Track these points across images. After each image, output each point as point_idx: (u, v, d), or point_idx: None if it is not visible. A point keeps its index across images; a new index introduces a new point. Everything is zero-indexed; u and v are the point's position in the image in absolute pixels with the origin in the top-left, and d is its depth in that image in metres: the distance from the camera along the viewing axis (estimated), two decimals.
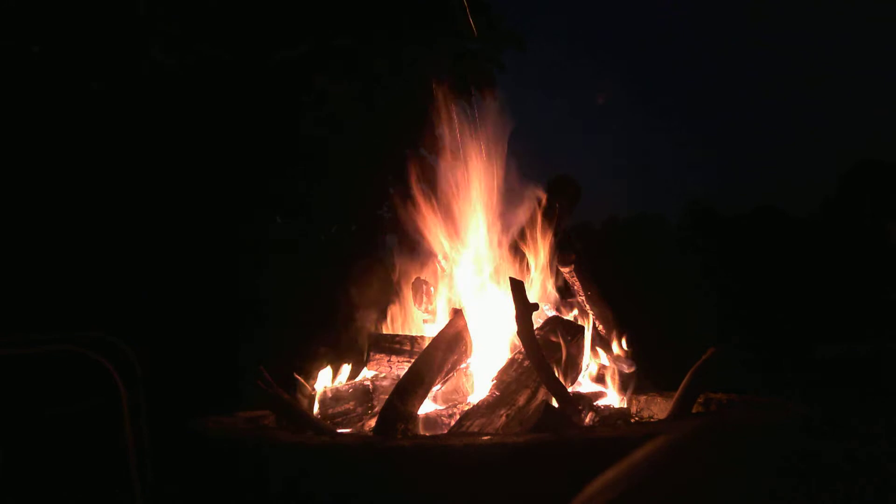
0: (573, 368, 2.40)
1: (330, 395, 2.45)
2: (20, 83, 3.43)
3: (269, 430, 2.23)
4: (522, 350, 2.23)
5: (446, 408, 2.30)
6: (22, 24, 3.43)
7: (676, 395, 2.32)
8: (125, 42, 3.55)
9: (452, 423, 2.17)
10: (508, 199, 2.72)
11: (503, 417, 2.08)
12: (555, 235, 2.76)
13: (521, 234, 2.71)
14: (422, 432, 2.15)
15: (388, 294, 2.81)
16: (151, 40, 3.57)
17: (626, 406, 2.44)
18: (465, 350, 2.37)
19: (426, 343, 2.42)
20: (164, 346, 3.05)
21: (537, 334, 2.26)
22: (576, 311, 2.69)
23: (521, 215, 2.73)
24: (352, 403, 2.40)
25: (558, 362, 2.29)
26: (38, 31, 3.47)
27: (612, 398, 2.49)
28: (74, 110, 3.50)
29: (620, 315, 2.72)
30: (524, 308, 2.19)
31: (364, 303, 2.90)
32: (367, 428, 2.33)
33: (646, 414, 2.58)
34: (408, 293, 2.76)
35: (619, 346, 2.64)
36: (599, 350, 2.61)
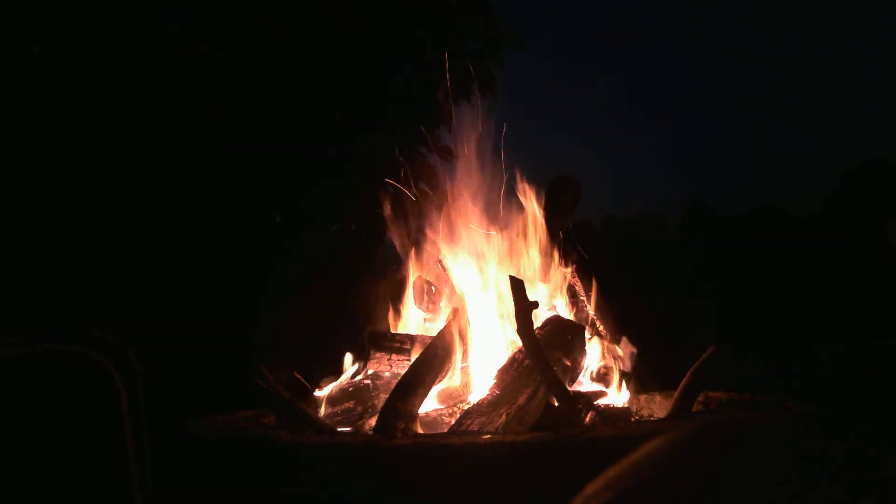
0: (573, 368, 2.40)
1: (330, 394, 2.45)
2: (20, 83, 3.43)
3: (269, 430, 2.23)
4: (523, 349, 2.23)
5: (446, 407, 2.30)
6: (22, 24, 3.43)
7: (676, 394, 2.32)
8: (125, 41, 3.55)
9: (453, 422, 2.17)
10: (509, 198, 2.72)
11: (503, 416, 2.08)
12: (556, 236, 2.76)
13: (522, 234, 2.71)
14: (422, 431, 2.15)
15: (389, 293, 2.81)
16: (151, 40, 3.57)
17: (626, 405, 2.44)
18: (466, 349, 2.37)
19: (426, 342, 2.42)
20: (165, 346, 3.04)
21: (537, 333, 2.26)
22: (576, 311, 2.69)
23: (522, 215, 2.73)
24: (352, 402, 2.39)
25: (558, 361, 2.29)
26: (39, 31, 3.47)
27: (613, 397, 2.49)
28: (74, 110, 3.50)
29: (621, 315, 2.72)
30: (524, 306, 2.19)
31: (365, 302, 2.90)
32: (367, 427, 2.33)
33: (646, 413, 2.58)
34: (408, 292, 2.76)
35: (619, 346, 2.64)
36: (600, 349, 2.61)
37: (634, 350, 2.63)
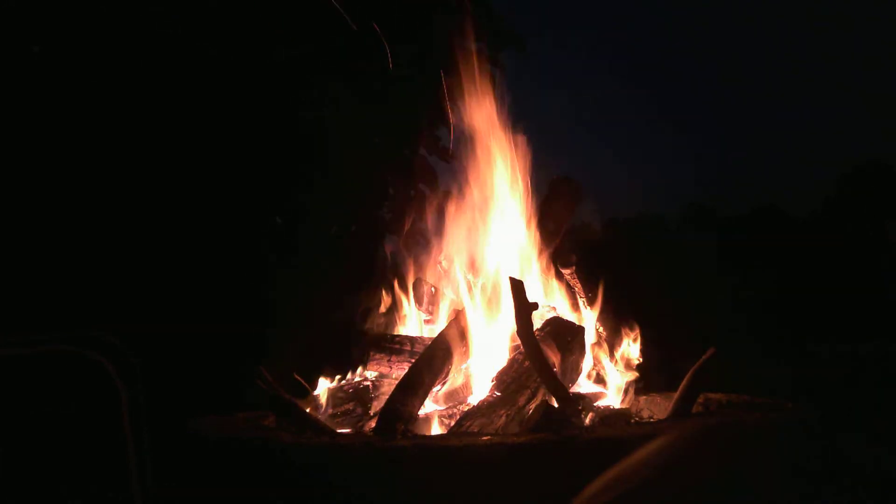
0: (573, 369, 2.40)
1: (330, 395, 2.45)
2: (20, 83, 3.43)
3: (269, 431, 2.23)
4: (522, 350, 2.23)
5: (446, 408, 2.30)
6: (22, 24, 3.43)
7: (676, 395, 2.32)
8: (126, 41, 3.55)
9: (452, 423, 2.17)
10: (509, 199, 2.72)
11: (503, 418, 2.08)
12: (556, 237, 2.76)
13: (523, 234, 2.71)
14: (422, 433, 2.15)
15: (388, 294, 2.81)
16: (152, 40, 3.57)
17: (625, 406, 2.44)
18: (466, 350, 2.37)
19: (426, 343, 2.42)
20: (165, 346, 3.05)
21: (537, 335, 2.26)
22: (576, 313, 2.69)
23: (523, 215, 2.73)
24: (352, 404, 2.40)
25: (558, 363, 2.29)
26: (39, 31, 3.47)
27: (612, 399, 2.49)
28: (74, 110, 3.50)
29: (621, 316, 2.72)
30: (523, 308, 2.19)
31: (365, 302, 2.91)
32: (367, 428, 2.33)
33: (645, 414, 2.58)
34: (409, 293, 2.76)
35: (619, 347, 2.64)
36: (599, 351, 2.61)
37: (634, 351, 2.62)
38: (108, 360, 2.06)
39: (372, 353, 2.52)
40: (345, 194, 4.05)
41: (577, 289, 2.70)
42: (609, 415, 2.24)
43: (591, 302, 2.68)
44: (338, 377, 2.62)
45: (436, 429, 2.21)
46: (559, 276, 2.71)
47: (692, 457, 1.74)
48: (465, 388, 2.39)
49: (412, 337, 2.61)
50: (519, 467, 1.72)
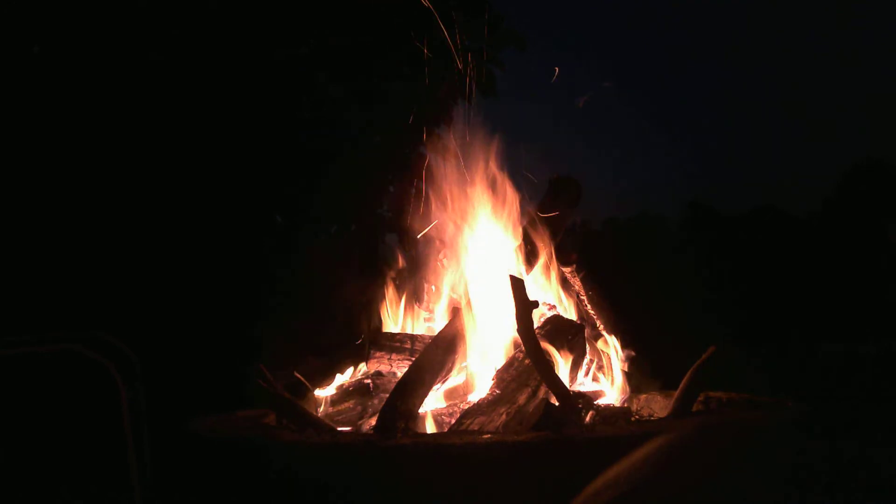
0: (573, 367, 2.40)
1: (330, 393, 2.45)
2: (20, 83, 3.43)
3: (270, 430, 2.23)
4: (522, 349, 2.23)
5: (447, 406, 2.30)
6: (22, 24, 3.43)
7: (676, 393, 2.32)
8: (125, 42, 3.55)
9: (453, 421, 2.17)
10: (509, 198, 2.72)
11: (503, 416, 2.08)
12: (556, 235, 2.76)
13: (524, 233, 2.71)
14: (422, 431, 2.15)
15: (388, 292, 2.80)
16: (151, 41, 3.57)
17: (626, 405, 2.44)
18: (466, 349, 2.37)
19: (427, 342, 2.42)
20: (165, 346, 3.05)
21: (537, 333, 2.26)
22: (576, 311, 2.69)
23: (523, 215, 2.73)
24: (352, 402, 2.40)
25: (558, 361, 2.29)
26: (39, 31, 3.47)
27: (612, 397, 2.49)
28: (74, 110, 3.50)
29: (621, 314, 2.72)
30: (524, 306, 2.19)
31: (364, 301, 2.90)
32: (367, 427, 2.33)
33: (646, 413, 2.58)
34: (408, 291, 2.76)
35: (619, 346, 2.64)
36: (600, 349, 2.61)
37: (634, 350, 2.62)
38: (108, 360, 2.06)
39: (372, 351, 2.52)
40: (345, 193, 4.05)
41: (576, 287, 2.70)
42: (609, 413, 2.24)
43: (590, 300, 2.68)
44: (338, 375, 2.62)
45: (436, 427, 2.21)
46: (559, 274, 2.71)
47: (692, 456, 1.73)
48: (466, 386, 2.39)
49: (412, 335, 2.61)
50: (519, 466, 1.72)
